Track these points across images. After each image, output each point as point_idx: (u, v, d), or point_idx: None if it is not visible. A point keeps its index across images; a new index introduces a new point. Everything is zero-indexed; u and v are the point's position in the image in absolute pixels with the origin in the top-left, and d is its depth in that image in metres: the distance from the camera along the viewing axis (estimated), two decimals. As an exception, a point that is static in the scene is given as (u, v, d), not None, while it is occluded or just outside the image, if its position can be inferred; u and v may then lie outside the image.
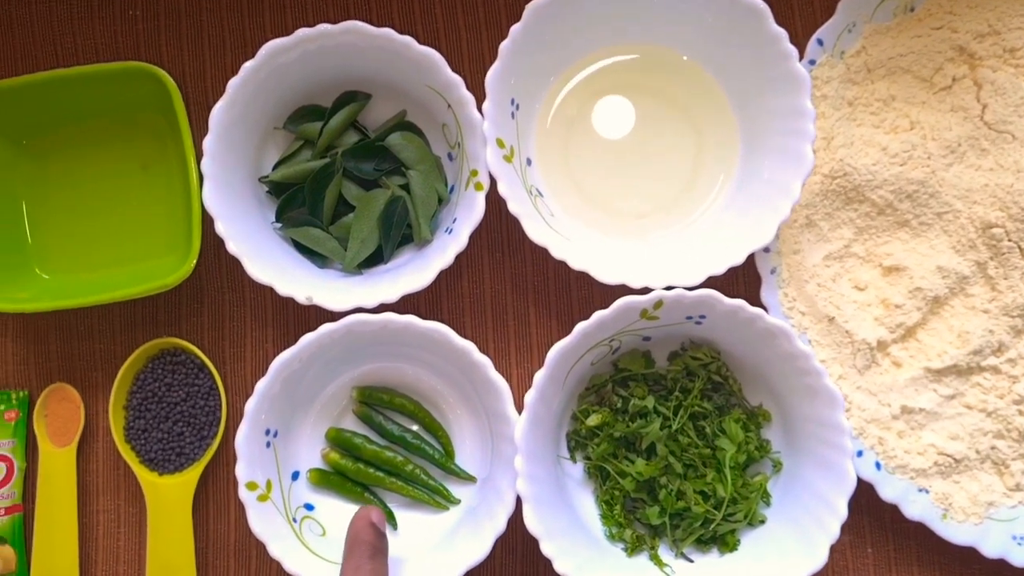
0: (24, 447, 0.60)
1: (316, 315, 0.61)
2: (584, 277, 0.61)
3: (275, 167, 0.60)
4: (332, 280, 0.58)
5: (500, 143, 0.55)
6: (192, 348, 0.58)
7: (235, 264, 0.61)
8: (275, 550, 0.54)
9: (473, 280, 0.61)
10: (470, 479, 0.59)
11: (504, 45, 0.55)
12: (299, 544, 0.55)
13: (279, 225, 0.59)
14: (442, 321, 0.55)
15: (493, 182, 0.55)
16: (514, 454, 0.54)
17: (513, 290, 0.62)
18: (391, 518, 0.58)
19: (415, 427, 0.60)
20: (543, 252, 0.61)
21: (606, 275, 0.55)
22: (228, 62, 0.62)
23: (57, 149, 0.60)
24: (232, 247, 0.55)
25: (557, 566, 0.52)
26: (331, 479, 0.58)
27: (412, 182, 0.59)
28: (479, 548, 0.54)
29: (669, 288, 0.53)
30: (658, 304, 0.54)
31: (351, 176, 0.59)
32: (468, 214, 0.55)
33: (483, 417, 0.58)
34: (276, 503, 0.56)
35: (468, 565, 0.54)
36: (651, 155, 0.61)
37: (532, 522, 0.52)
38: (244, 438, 0.54)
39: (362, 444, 0.59)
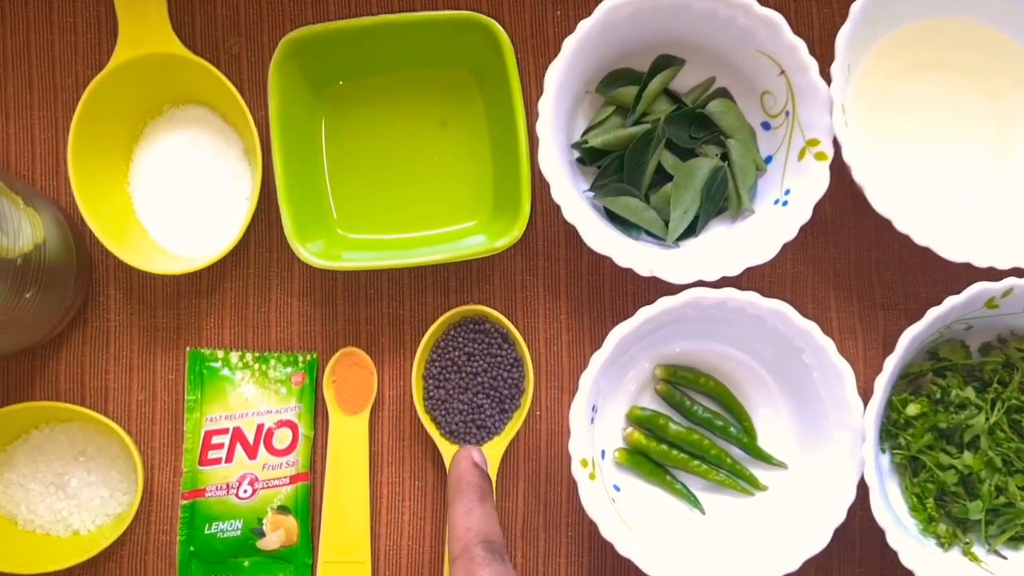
0: (312, 414, 0.57)
1: (611, 288, 0.59)
2: (885, 260, 0.59)
3: (584, 133, 0.57)
4: (652, 251, 0.55)
5: (844, 108, 0.53)
6: (499, 317, 0.55)
7: (527, 231, 0.58)
8: (607, 532, 0.51)
9: (776, 259, 0.59)
10: (780, 465, 0.56)
11: (856, 5, 0.52)
12: (624, 527, 0.53)
13: (591, 194, 0.56)
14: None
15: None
16: (850, 441, 0.53)
17: (815, 271, 0.59)
18: (695, 502, 0.56)
19: (717, 408, 0.58)
20: (849, 231, 0.59)
21: (951, 252, 0.53)
22: (550, 16, 0.58)
23: (355, 100, 0.57)
24: (568, 215, 0.52)
25: (905, 559, 0.51)
26: (636, 460, 0.56)
27: (732, 151, 0.56)
28: (815, 538, 0.52)
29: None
30: (1007, 292, 0.52)
31: (667, 144, 0.56)
32: (808, 185, 0.53)
33: (803, 401, 0.56)
34: (600, 482, 0.53)
35: (806, 555, 0.52)
36: (948, 134, 0.59)
37: (881, 513, 0.51)
38: (579, 413, 0.52)
39: (666, 424, 0.56)
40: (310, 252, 0.52)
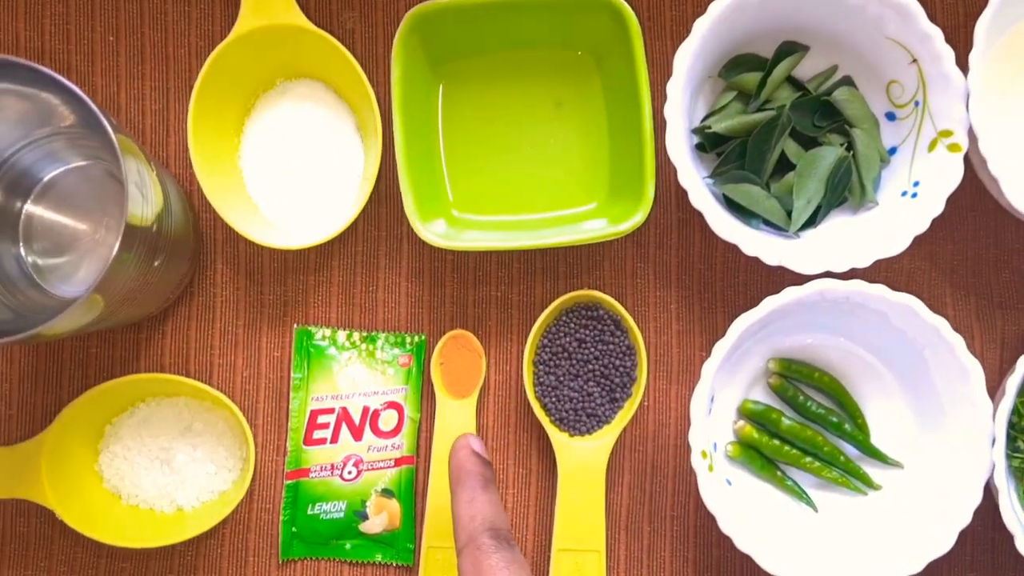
0: (419, 396, 0.56)
1: (722, 278, 0.57)
2: (1004, 258, 0.58)
3: (704, 119, 0.56)
4: (773, 241, 0.54)
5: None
6: (612, 303, 0.54)
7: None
8: (726, 525, 0.50)
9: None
10: (896, 465, 0.55)
11: (1000, -9, 0.51)
12: (743, 520, 0.51)
13: (709, 181, 0.55)
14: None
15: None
16: (974, 442, 0.51)
17: (932, 267, 0.58)
18: (807, 500, 0.55)
19: (830, 404, 0.56)
20: (967, 227, 0.58)
21: None
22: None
23: (470, 78, 0.56)
24: (695, 200, 0.51)
25: (1035, 565, 0.49)
26: (748, 454, 0.55)
27: (857, 141, 0.55)
28: (939, 540, 0.50)
29: None
30: None
31: (790, 132, 0.55)
32: (940, 177, 0.52)
33: (921, 399, 0.54)
34: (717, 475, 0.52)
35: (930, 557, 0.50)
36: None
37: (1010, 519, 0.49)
38: (700, 403, 0.50)
39: (779, 419, 0.55)
40: (432, 233, 0.51)
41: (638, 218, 0.51)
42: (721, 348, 0.50)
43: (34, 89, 0.42)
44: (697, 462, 0.50)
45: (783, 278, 0.57)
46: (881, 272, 0.57)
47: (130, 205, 0.39)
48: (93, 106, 0.40)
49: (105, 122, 0.39)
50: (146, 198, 0.41)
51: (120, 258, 0.40)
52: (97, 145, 0.47)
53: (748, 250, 0.51)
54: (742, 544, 0.50)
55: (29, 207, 0.51)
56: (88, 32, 0.56)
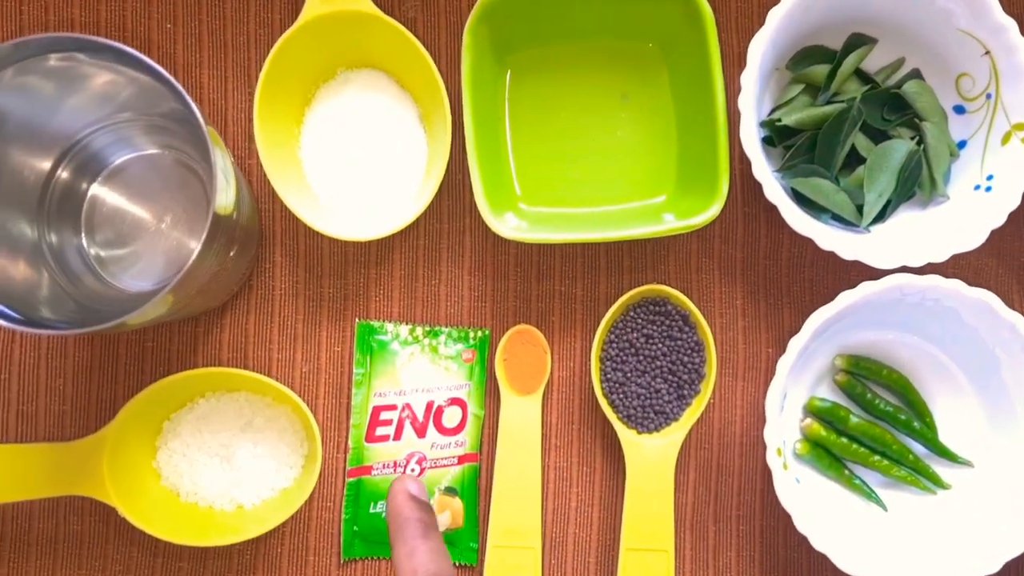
0: (483, 393, 0.55)
1: (787, 274, 0.57)
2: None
3: (771, 112, 0.55)
4: (843, 235, 0.53)
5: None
6: (680, 298, 0.53)
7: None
8: (802, 524, 0.49)
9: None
10: (966, 464, 0.54)
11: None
12: (816, 519, 0.50)
13: (779, 174, 0.54)
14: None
15: None
16: (1052, 440, 0.50)
17: (999, 264, 0.57)
18: (876, 499, 0.54)
19: (898, 402, 0.56)
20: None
21: None
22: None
23: (534, 69, 0.55)
24: (770, 194, 0.50)
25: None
26: (817, 452, 0.54)
27: (927, 134, 0.54)
28: (1015, 539, 0.50)
29: None
30: None
31: (860, 126, 0.54)
32: (1016, 170, 0.51)
33: (991, 397, 0.54)
34: (791, 474, 0.51)
35: (1007, 556, 0.49)
36: None
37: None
38: (775, 400, 0.50)
39: (847, 416, 0.54)
40: (505, 226, 0.50)
41: (713, 211, 0.50)
42: (796, 344, 0.50)
43: (130, 71, 0.41)
44: (772, 460, 0.49)
45: (849, 274, 0.56)
46: (948, 269, 0.57)
47: (219, 195, 0.38)
48: (187, 96, 0.38)
49: (197, 112, 0.38)
50: (229, 188, 0.40)
51: (204, 250, 0.38)
52: (175, 134, 0.46)
53: (824, 244, 0.50)
54: (818, 543, 0.49)
55: (94, 191, 0.50)
56: (144, 19, 0.55)
